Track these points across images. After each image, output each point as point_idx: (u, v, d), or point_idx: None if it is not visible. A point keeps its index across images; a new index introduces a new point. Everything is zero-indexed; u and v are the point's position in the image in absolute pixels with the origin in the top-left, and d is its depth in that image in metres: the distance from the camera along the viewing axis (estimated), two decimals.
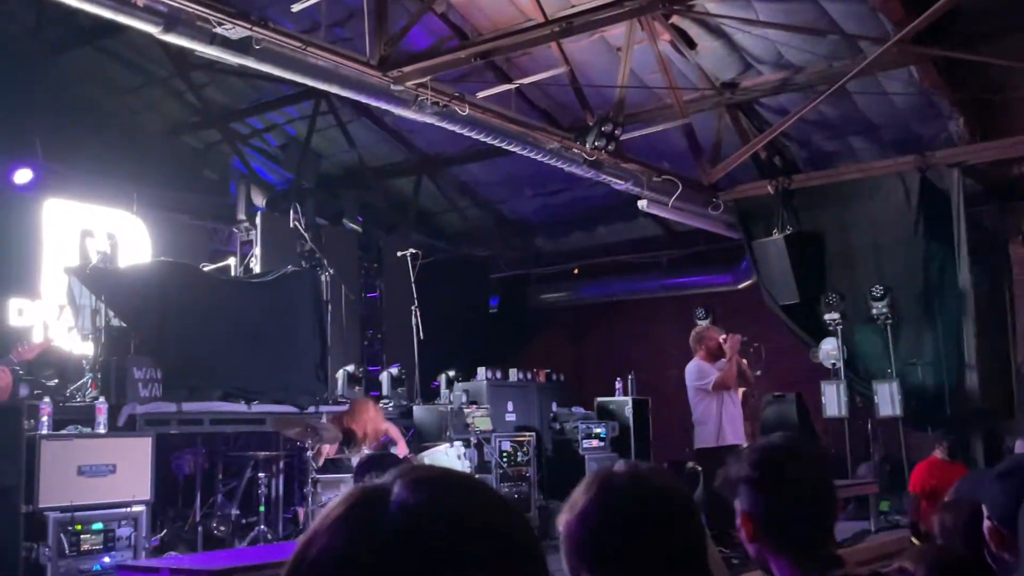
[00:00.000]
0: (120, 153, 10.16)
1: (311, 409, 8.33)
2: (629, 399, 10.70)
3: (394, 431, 8.35)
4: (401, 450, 8.06)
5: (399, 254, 9.87)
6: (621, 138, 8.66)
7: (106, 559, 6.16)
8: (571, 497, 1.59)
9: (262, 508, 7.22)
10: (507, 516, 0.83)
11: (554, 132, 8.81)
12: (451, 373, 10.23)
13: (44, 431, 6.23)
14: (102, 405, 6.68)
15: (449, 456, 8.01)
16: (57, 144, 9.61)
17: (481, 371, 10.51)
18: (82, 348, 8.09)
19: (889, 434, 9.71)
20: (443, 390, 10.06)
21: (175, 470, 7.88)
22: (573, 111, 9.79)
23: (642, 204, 9.89)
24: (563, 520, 1.57)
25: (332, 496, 7.09)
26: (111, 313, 7.57)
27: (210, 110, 11.33)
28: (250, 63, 6.62)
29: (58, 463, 6.15)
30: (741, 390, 8.09)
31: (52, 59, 10.28)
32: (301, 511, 7.47)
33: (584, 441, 10.02)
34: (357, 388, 9.38)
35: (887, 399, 9.41)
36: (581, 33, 7.66)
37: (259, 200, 10.95)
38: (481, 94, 8.33)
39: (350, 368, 9.62)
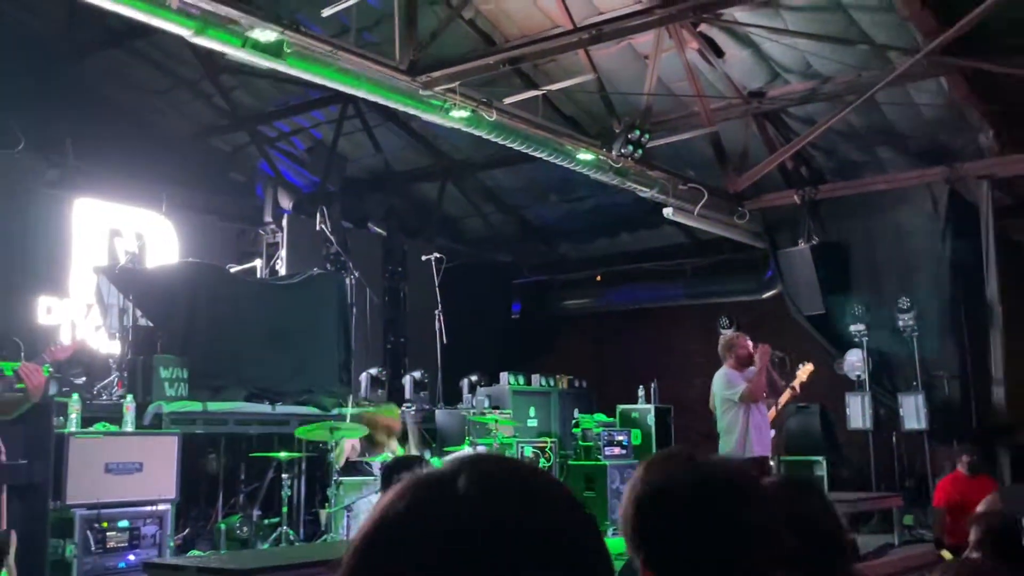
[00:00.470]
0: (149, 154, 10.25)
1: (334, 411, 8.37)
2: (651, 407, 10.67)
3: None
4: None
5: (423, 258, 9.90)
6: (647, 145, 8.66)
7: (131, 557, 6.22)
8: (630, 481, 1.56)
9: (284, 509, 7.25)
10: (570, 513, 0.83)
11: (580, 139, 8.82)
12: (473, 378, 10.25)
13: (73, 429, 6.29)
14: (130, 403, 6.74)
15: None
16: (87, 144, 9.71)
17: (504, 376, 10.52)
18: (109, 347, 8.17)
19: (914, 447, 9.64)
20: (465, 394, 10.07)
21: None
22: (599, 118, 9.79)
23: (667, 212, 9.88)
24: (620, 505, 1.56)
25: (355, 499, 7.13)
26: (138, 312, 7.65)
27: (238, 113, 11.42)
28: (280, 67, 6.66)
29: (86, 461, 6.21)
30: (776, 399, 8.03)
31: (83, 61, 10.40)
32: (323, 513, 7.50)
33: (606, 448, 10.00)
34: (380, 391, 9.42)
35: (912, 412, 9.35)
36: (610, 40, 7.66)
37: (286, 203, 11.03)
38: (508, 100, 8.35)
39: (373, 371, 9.67)
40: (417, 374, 10.25)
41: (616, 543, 1.54)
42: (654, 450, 10.37)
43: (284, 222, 10.90)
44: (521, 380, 10.67)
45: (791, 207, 10.38)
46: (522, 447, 9.09)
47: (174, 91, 11.30)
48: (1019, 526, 2.24)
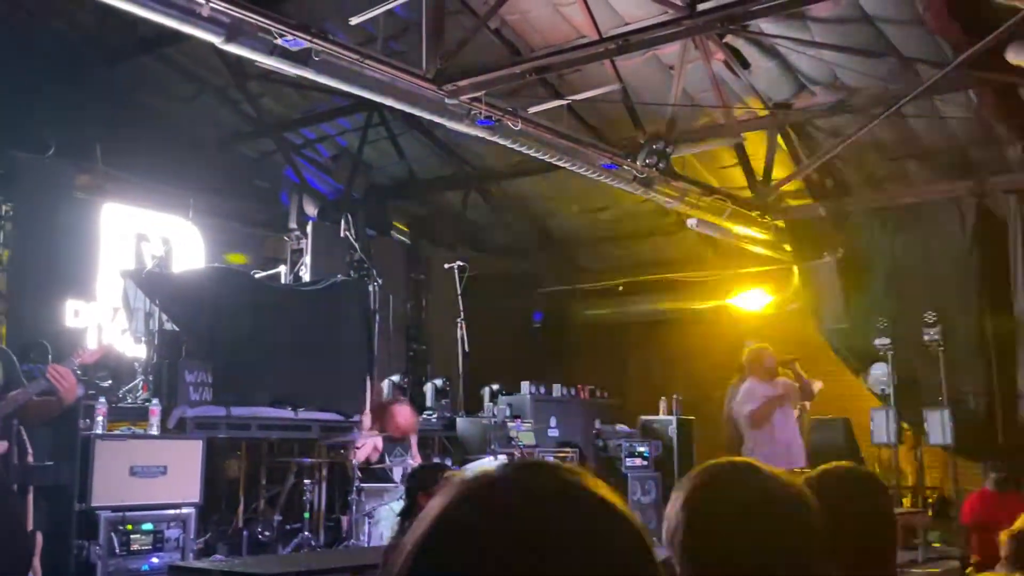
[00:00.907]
0: (176, 160, 10.34)
1: (356, 418, 8.40)
2: (673, 418, 10.63)
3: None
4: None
5: (446, 266, 9.92)
6: (671, 155, 8.65)
7: (154, 559, 6.26)
8: (680, 492, 1.54)
9: (306, 515, 7.28)
10: (625, 523, 0.84)
11: (605, 148, 8.82)
12: (495, 387, 10.25)
13: (99, 431, 6.35)
14: (155, 407, 6.80)
15: None
16: (116, 150, 9.80)
17: (525, 385, 10.50)
18: (135, 350, 8.23)
19: (939, 463, 9.55)
20: (486, 403, 10.08)
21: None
22: (622, 128, 9.78)
23: (691, 223, 9.85)
24: (665, 516, 1.54)
25: (376, 505, 7.15)
26: (164, 317, 7.70)
27: (264, 120, 11.50)
28: (308, 75, 6.71)
29: (111, 463, 6.27)
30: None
31: (113, 67, 10.51)
32: (345, 519, 7.52)
33: (627, 459, 9.97)
34: (402, 399, 9.44)
35: (937, 427, 9.25)
36: (635, 51, 7.67)
37: (311, 210, 11.09)
38: (533, 109, 8.36)
39: (395, 378, 9.69)
40: (439, 382, 10.26)
41: None
42: (675, 463, 10.32)
43: (309, 229, 10.96)
44: (542, 389, 10.66)
45: (816, 219, 10.33)
46: (542, 456, 9.07)
47: (202, 97, 11.40)
48: None
